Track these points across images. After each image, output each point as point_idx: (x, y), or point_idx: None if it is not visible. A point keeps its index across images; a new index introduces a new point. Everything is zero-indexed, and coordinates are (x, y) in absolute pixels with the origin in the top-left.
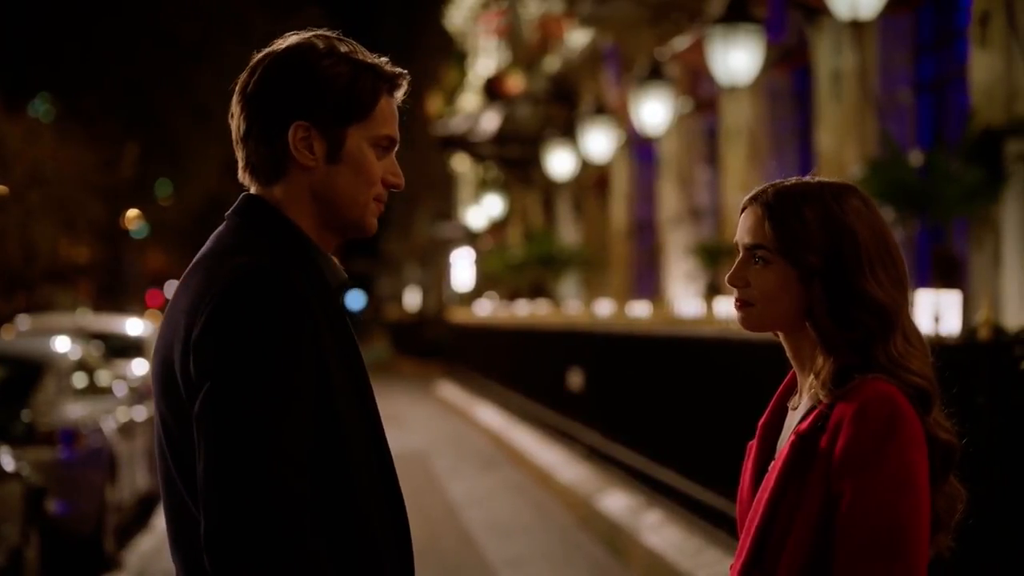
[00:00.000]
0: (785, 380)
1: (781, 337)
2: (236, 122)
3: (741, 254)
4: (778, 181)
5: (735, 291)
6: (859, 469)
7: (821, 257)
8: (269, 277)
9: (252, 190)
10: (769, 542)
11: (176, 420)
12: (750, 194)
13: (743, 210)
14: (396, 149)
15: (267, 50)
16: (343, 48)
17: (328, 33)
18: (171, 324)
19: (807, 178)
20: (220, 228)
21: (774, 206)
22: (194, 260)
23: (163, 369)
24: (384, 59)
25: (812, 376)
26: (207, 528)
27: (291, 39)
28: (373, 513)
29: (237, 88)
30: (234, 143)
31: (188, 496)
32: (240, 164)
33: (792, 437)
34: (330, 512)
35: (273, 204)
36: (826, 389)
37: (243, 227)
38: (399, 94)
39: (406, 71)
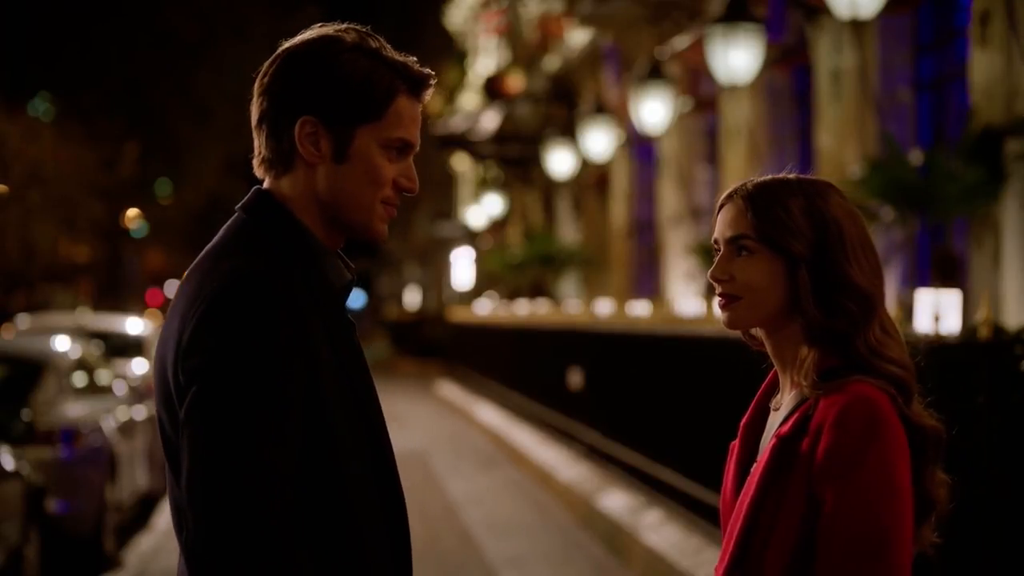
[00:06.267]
0: (767, 380)
1: (763, 336)
2: (253, 109)
3: (722, 250)
4: (754, 178)
5: (719, 287)
6: (840, 473)
7: (806, 244)
8: (260, 282)
9: (265, 182)
10: (752, 544)
11: (172, 424)
12: (727, 192)
13: (720, 207)
14: (414, 153)
15: (292, 40)
16: (371, 44)
17: (359, 28)
18: (168, 327)
19: (784, 174)
20: (228, 222)
21: (755, 197)
22: (197, 258)
23: (160, 372)
24: (412, 59)
25: (794, 372)
26: (188, 536)
27: (317, 30)
28: (366, 525)
29: (259, 75)
30: (252, 130)
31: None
32: (255, 153)
33: (773, 440)
34: (319, 525)
35: (281, 200)
36: (809, 381)
37: (247, 224)
38: (424, 96)
39: (432, 73)
